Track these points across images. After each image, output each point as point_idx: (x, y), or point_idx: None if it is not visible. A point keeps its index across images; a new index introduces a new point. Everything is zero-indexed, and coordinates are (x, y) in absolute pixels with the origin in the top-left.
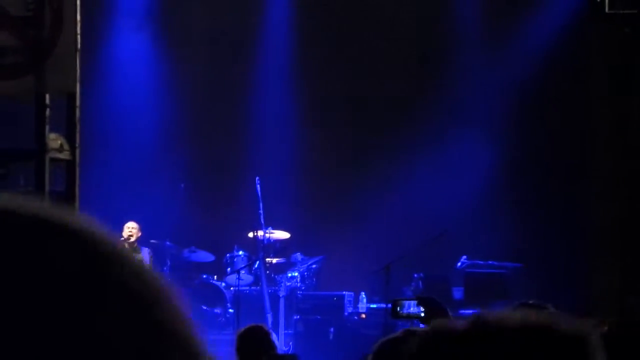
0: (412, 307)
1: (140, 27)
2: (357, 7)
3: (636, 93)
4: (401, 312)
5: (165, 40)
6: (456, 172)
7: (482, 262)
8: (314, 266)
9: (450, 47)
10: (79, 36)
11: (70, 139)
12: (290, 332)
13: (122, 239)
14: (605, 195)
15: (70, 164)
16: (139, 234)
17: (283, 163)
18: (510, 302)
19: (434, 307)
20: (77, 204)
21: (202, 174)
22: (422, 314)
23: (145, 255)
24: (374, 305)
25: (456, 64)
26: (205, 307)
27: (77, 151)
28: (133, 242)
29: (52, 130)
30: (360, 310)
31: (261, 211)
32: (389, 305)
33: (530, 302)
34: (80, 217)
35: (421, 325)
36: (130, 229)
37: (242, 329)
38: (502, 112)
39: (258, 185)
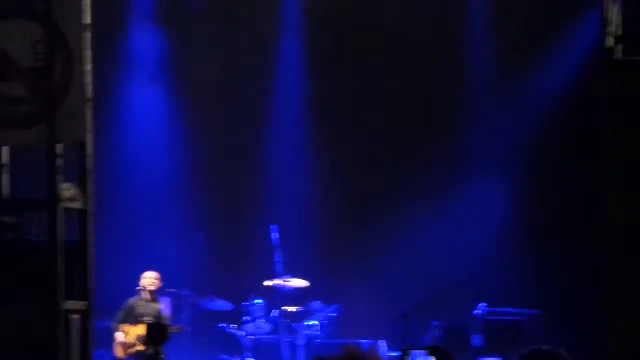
0: (421, 357)
1: (153, 79)
2: (373, 58)
3: None
4: None
5: (177, 91)
6: (473, 218)
7: (500, 309)
8: (332, 314)
9: (463, 92)
10: (89, 86)
11: (83, 188)
12: None
13: (141, 288)
14: (620, 245)
15: (83, 213)
16: (160, 284)
17: (300, 211)
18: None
19: (442, 357)
20: (91, 253)
21: (219, 223)
22: None
23: (165, 304)
24: (394, 354)
25: (469, 108)
26: (224, 357)
27: (90, 200)
28: (152, 292)
29: (66, 179)
30: None
31: (278, 259)
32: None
33: (543, 347)
34: None
35: None
36: (153, 279)
37: None
38: (516, 157)
39: (274, 233)
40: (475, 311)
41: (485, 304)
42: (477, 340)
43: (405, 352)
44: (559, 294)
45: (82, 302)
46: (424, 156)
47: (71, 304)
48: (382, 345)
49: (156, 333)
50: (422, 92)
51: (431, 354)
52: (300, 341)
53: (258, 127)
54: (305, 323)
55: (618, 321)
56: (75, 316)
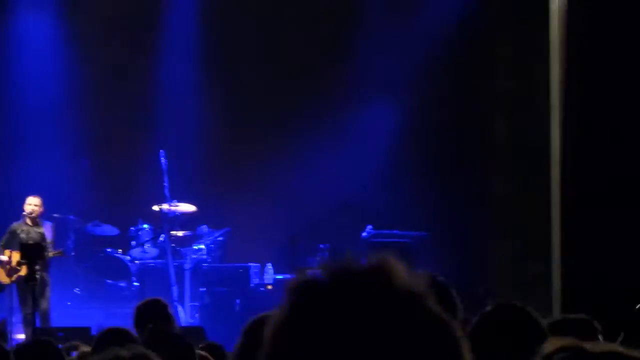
0: None
1: (41, 3)
2: None
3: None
4: None
5: (66, 17)
6: (360, 142)
7: (387, 232)
8: (219, 238)
9: (354, 10)
10: None
11: None
12: (196, 304)
13: (25, 213)
14: (505, 164)
15: None
16: (41, 209)
17: (188, 135)
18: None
19: None
20: None
21: (106, 148)
22: None
23: (47, 229)
24: (281, 276)
25: (360, 26)
26: (109, 281)
27: None
28: (35, 217)
29: None
30: (267, 282)
31: (166, 184)
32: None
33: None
34: None
35: None
36: (33, 205)
37: (140, 302)
38: (405, 77)
39: (162, 158)
40: (362, 233)
41: (371, 226)
42: (363, 262)
43: (300, 272)
44: (445, 215)
45: None
46: (314, 78)
47: None
48: (270, 268)
49: (30, 252)
50: (316, 13)
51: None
52: (188, 265)
53: (147, 48)
54: (193, 247)
55: (502, 241)
56: None
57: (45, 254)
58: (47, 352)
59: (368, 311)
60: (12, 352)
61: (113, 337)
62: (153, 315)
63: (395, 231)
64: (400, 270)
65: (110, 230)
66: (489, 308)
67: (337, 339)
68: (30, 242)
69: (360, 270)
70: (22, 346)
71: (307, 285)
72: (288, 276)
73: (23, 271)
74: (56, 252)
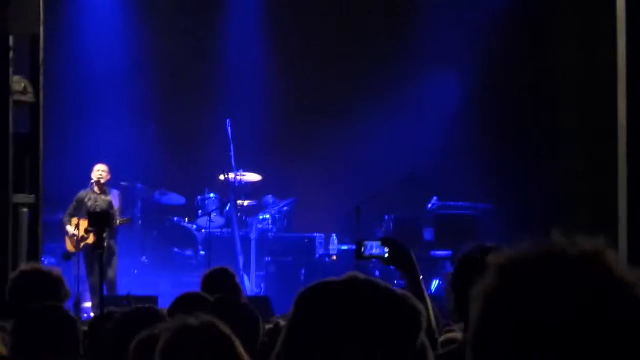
0: (375, 248)
1: None
2: None
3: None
4: (364, 252)
5: None
6: (426, 112)
7: (452, 203)
8: (285, 208)
9: None
10: None
11: (34, 81)
12: (261, 274)
13: (92, 181)
14: (572, 136)
15: (34, 106)
16: (109, 177)
17: (254, 105)
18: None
19: (397, 248)
20: (41, 146)
21: (173, 115)
22: (386, 255)
23: (114, 197)
24: (345, 247)
25: (423, 3)
26: (176, 250)
27: (41, 93)
28: (102, 185)
29: (16, 72)
30: (331, 252)
31: (232, 153)
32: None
33: (488, 244)
34: None
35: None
36: (100, 172)
37: (207, 271)
38: (472, 51)
39: (229, 128)
40: (428, 204)
41: (436, 197)
42: (428, 234)
43: (360, 244)
44: (512, 188)
45: (31, 196)
46: (379, 47)
47: (20, 197)
48: (334, 239)
49: (98, 219)
50: None
51: (384, 244)
52: (253, 235)
53: (214, 16)
54: (259, 217)
55: (567, 216)
56: (24, 209)
57: (113, 221)
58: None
59: (586, 303)
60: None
61: (188, 302)
62: (220, 284)
63: (460, 203)
64: (617, 260)
65: (176, 198)
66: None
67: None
68: (98, 209)
69: (575, 255)
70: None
71: (515, 265)
72: (353, 247)
73: (90, 239)
74: (124, 219)
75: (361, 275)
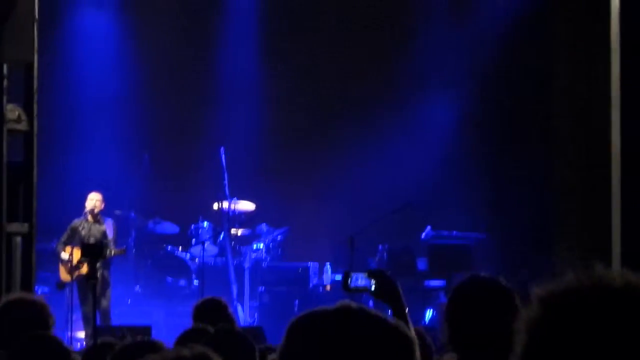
0: (361, 280)
1: (102, 2)
2: None
3: (600, 55)
4: (350, 284)
5: (127, 12)
6: (420, 143)
7: (446, 233)
8: (279, 237)
9: (412, 10)
10: (36, 6)
11: (28, 110)
12: (255, 303)
13: (86, 210)
14: (567, 165)
15: (28, 135)
16: (103, 205)
17: (248, 134)
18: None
19: (383, 280)
20: (35, 175)
21: (167, 144)
22: (372, 287)
23: (108, 226)
24: (339, 277)
25: (418, 27)
26: (170, 279)
27: (35, 122)
28: (96, 214)
29: (10, 101)
30: (325, 282)
31: (226, 182)
32: None
33: (482, 274)
34: None
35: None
36: (95, 201)
37: (199, 301)
38: (465, 78)
39: (223, 156)
40: (422, 234)
41: (430, 227)
42: (422, 264)
43: (347, 274)
44: (506, 218)
45: (25, 225)
46: (372, 81)
47: (14, 227)
48: (328, 268)
49: (90, 251)
50: (373, 7)
51: (371, 276)
52: (247, 264)
53: (208, 48)
54: (252, 246)
55: (562, 244)
56: (17, 238)
57: (107, 252)
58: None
59: (634, 337)
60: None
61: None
62: (213, 314)
63: (454, 232)
64: None
65: (170, 227)
66: (462, 281)
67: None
68: (92, 239)
69: (620, 287)
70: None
71: (559, 297)
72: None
73: (84, 269)
74: (118, 250)
75: (354, 305)
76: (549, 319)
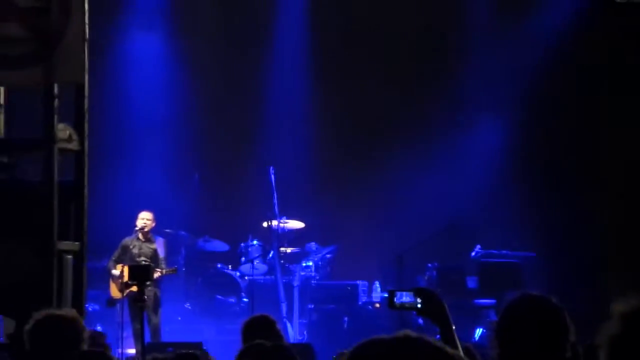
0: (405, 297)
1: (153, 23)
2: (367, 4)
3: None
4: (396, 302)
5: (177, 35)
6: (470, 162)
7: (495, 252)
8: (328, 255)
9: (459, 35)
10: (87, 26)
11: (79, 129)
12: (304, 321)
13: (137, 228)
14: (617, 190)
15: (79, 154)
16: (154, 224)
17: (297, 153)
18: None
19: (430, 298)
20: (86, 193)
21: (217, 164)
22: (419, 305)
23: (160, 245)
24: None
25: (466, 51)
26: (219, 297)
27: (86, 141)
28: (147, 232)
29: (61, 120)
30: (374, 300)
31: (275, 201)
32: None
33: (533, 293)
34: None
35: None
36: (145, 220)
37: (248, 318)
38: (514, 101)
39: (272, 175)
40: (472, 253)
41: (480, 246)
42: (472, 282)
43: (391, 293)
44: (555, 236)
45: (76, 243)
46: (420, 100)
47: (65, 245)
48: (377, 286)
49: (138, 274)
50: (421, 32)
51: (417, 295)
52: (296, 282)
53: (256, 69)
54: (302, 264)
55: (614, 262)
56: (68, 257)
57: (159, 271)
58: None
59: None
60: None
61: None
62: (261, 331)
63: (504, 251)
64: None
65: (220, 246)
66: (512, 300)
67: None
68: (142, 257)
69: None
70: None
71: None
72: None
73: (134, 287)
74: (170, 270)
75: (413, 333)
76: (630, 333)
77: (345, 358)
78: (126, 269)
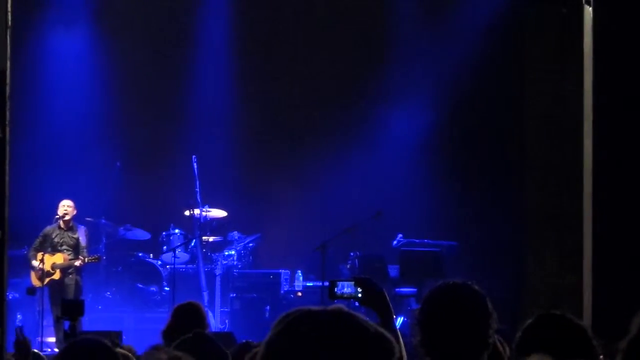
0: (347, 288)
1: (76, 17)
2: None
3: (572, 76)
4: (337, 292)
5: (101, 25)
6: (392, 149)
7: (417, 241)
8: (250, 244)
9: (383, 25)
10: (9, 13)
11: (1, 116)
12: (226, 310)
13: (57, 217)
14: (539, 176)
15: (0, 142)
16: (75, 212)
17: (220, 141)
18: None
19: (370, 288)
20: (7, 181)
21: (139, 152)
22: (359, 295)
23: (81, 233)
24: (310, 284)
25: (389, 34)
26: (140, 285)
27: (7, 129)
28: (68, 221)
29: None
30: (297, 289)
31: (198, 189)
32: (326, 283)
33: (455, 280)
34: None
35: (357, 305)
36: (66, 207)
37: (179, 304)
38: (436, 90)
39: (195, 164)
40: (393, 242)
41: (402, 235)
42: (394, 271)
43: (332, 283)
44: (476, 225)
45: None
46: (344, 89)
47: None
48: (299, 275)
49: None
50: (347, 27)
51: (357, 284)
52: (218, 271)
53: (181, 58)
54: (224, 253)
55: (532, 251)
56: None
57: (81, 259)
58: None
59: None
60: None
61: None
62: (191, 317)
63: (425, 240)
64: None
65: (141, 234)
66: (530, 320)
67: None
68: (65, 247)
69: None
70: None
71: None
72: (318, 283)
73: (56, 275)
74: (92, 257)
75: (345, 309)
76: None
77: (278, 329)
78: (48, 256)
